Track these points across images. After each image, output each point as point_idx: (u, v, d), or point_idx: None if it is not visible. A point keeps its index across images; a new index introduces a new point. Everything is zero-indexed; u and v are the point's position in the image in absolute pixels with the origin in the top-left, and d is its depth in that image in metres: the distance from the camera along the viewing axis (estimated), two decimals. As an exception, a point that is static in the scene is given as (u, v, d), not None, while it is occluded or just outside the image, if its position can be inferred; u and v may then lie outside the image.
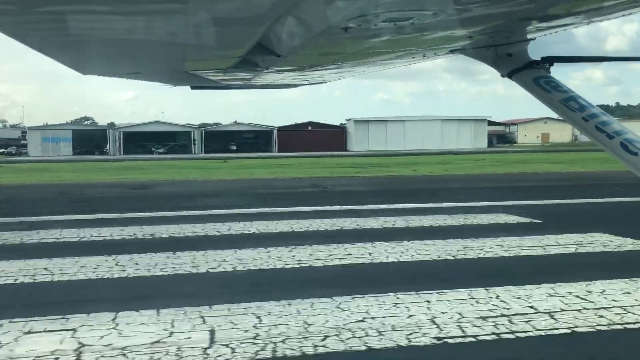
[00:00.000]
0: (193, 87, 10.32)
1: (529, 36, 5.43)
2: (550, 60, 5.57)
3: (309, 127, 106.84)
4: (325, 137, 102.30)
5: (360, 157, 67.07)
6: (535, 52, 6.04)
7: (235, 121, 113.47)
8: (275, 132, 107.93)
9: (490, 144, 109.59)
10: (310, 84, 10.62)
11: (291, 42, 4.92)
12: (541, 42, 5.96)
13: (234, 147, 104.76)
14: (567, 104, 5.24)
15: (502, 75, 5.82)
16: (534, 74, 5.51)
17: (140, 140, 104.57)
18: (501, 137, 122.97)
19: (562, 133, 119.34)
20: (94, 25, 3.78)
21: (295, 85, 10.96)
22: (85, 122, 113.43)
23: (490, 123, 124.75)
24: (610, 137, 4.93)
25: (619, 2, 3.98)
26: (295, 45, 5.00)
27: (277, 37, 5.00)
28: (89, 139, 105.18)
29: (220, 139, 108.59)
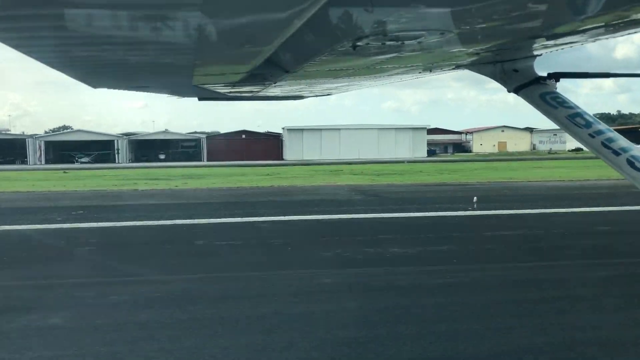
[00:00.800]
0: (201, 99, 10.40)
1: (535, 52, 5.47)
2: (557, 76, 5.60)
3: (243, 136, 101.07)
4: (260, 146, 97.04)
5: (276, 166, 62.70)
6: (542, 64, 6.08)
7: (166, 129, 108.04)
8: (204, 141, 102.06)
9: (445, 152, 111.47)
10: (317, 96, 10.69)
11: (300, 58, 4.98)
12: (547, 55, 5.99)
13: (162, 157, 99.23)
14: (573, 120, 5.27)
15: (509, 91, 5.86)
16: (540, 90, 5.54)
17: (64, 150, 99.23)
18: (457, 146, 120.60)
19: (520, 142, 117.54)
20: (105, 42, 3.84)
21: (302, 97, 11.02)
22: (6, 132, 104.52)
23: (447, 132, 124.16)
24: (616, 154, 4.95)
25: (624, 22, 4.02)
26: (303, 62, 5.05)
27: (286, 53, 5.05)
28: (9, 148, 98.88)
29: (147, 148, 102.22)
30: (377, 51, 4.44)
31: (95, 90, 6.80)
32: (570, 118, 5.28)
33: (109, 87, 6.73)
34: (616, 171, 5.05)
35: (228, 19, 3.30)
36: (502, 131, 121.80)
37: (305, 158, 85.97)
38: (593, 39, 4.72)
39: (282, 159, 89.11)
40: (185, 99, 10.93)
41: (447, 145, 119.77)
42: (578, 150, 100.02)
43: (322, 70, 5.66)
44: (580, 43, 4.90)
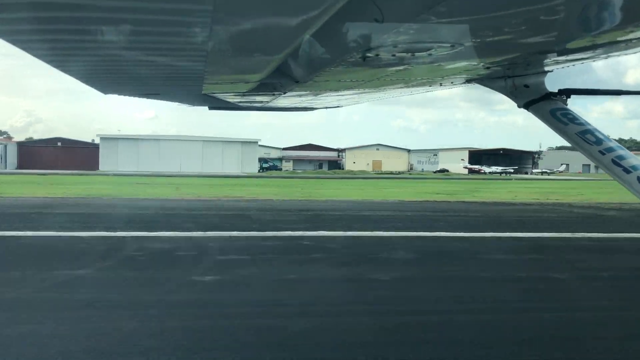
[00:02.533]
0: (211, 108, 10.44)
1: (547, 68, 5.44)
2: (568, 92, 5.56)
3: (59, 144, 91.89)
4: (75, 155, 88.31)
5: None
6: (552, 83, 6.05)
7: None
8: (13, 147, 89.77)
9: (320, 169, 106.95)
10: (327, 107, 10.70)
11: (310, 69, 4.98)
12: (558, 74, 5.97)
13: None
14: (583, 137, 5.22)
15: (519, 106, 5.83)
16: (550, 106, 5.51)
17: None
18: (333, 163, 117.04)
19: (397, 161, 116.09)
20: (116, 48, 3.86)
21: (312, 109, 11.04)
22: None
23: (323, 148, 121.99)
24: (627, 172, 4.90)
25: (637, 38, 3.99)
26: (313, 72, 5.06)
27: (296, 63, 5.06)
28: None
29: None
30: (387, 63, 4.43)
31: (105, 96, 6.85)
32: (580, 135, 5.23)
33: (119, 93, 6.77)
34: (627, 189, 5.00)
35: (238, 28, 3.31)
36: (377, 149, 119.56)
37: (120, 169, 77.64)
38: (605, 55, 4.70)
39: (99, 170, 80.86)
40: (196, 108, 10.99)
41: (323, 162, 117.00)
42: (443, 171, 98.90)
43: (331, 81, 5.66)
44: (592, 59, 4.88)
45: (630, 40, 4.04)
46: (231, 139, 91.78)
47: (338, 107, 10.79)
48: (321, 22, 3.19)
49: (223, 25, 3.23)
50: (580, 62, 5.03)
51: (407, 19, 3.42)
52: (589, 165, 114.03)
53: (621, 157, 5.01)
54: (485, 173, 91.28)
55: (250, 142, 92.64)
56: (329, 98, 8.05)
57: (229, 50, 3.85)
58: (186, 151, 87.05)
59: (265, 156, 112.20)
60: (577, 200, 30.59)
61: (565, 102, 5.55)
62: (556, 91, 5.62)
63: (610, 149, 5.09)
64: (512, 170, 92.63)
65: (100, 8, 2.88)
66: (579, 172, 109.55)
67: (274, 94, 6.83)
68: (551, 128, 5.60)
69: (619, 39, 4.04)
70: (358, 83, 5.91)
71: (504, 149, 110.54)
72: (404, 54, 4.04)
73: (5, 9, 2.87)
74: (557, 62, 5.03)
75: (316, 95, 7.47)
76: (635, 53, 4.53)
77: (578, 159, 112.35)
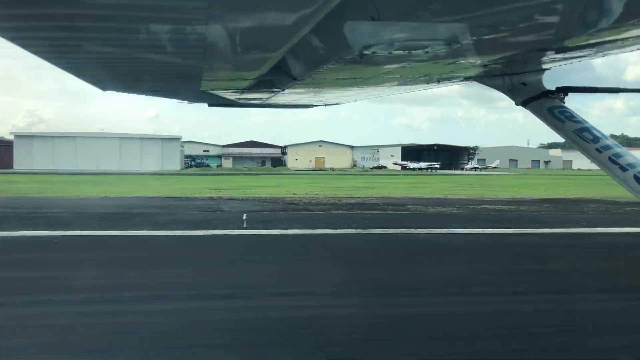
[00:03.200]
0: (210, 105, 10.44)
1: (544, 66, 5.46)
2: (565, 90, 5.58)
3: None
4: None
5: None
6: (551, 80, 6.06)
7: None
8: None
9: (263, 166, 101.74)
10: (326, 105, 10.70)
11: (307, 65, 4.99)
12: (557, 71, 5.98)
13: None
14: (581, 135, 5.24)
15: (517, 104, 5.84)
16: (548, 104, 5.52)
17: None
18: (277, 160, 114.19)
19: (340, 158, 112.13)
20: (112, 44, 3.88)
21: (312, 106, 11.04)
22: None
23: (266, 145, 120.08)
24: (623, 170, 4.92)
25: (634, 36, 4.00)
26: (311, 69, 5.07)
27: (294, 60, 5.07)
28: None
29: None
30: (384, 60, 4.45)
31: (109, 97, 6.87)
32: (577, 132, 5.25)
33: (118, 90, 6.78)
34: (623, 187, 5.01)
35: (233, 25, 3.32)
36: (320, 146, 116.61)
37: (35, 168, 73.84)
38: (602, 53, 4.70)
39: (12, 168, 75.61)
40: (197, 106, 10.99)
41: (265, 159, 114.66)
42: (380, 167, 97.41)
43: (329, 78, 5.67)
44: (589, 57, 4.88)
45: (627, 38, 4.04)
46: (151, 136, 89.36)
47: (337, 104, 10.80)
48: (317, 20, 3.20)
49: (218, 22, 3.24)
50: (578, 60, 5.04)
51: (403, 17, 3.43)
52: (516, 160, 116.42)
53: (618, 155, 5.02)
54: (411, 169, 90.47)
55: (171, 139, 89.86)
56: (328, 95, 8.06)
57: (226, 47, 3.86)
58: (103, 149, 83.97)
59: (205, 153, 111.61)
60: (448, 195, 27.51)
61: (562, 100, 5.57)
62: (554, 89, 5.64)
63: (607, 147, 5.11)
64: (437, 166, 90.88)
65: (95, 5, 2.90)
66: (507, 168, 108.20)
67: (272, 91, 6.84)
68: (548, 126, 5.61)
69: (615, 37, 4.04)
70: (356, 80, 5.92)
71: (438, 145, 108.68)
72: (400, 52, 4.05)
73: (2, 5, 2.88)
74: (555, 60, 5.05)
75: (315, 92, 7.48)
76: (632, 51, 4.53)
77: (507, 154, 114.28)
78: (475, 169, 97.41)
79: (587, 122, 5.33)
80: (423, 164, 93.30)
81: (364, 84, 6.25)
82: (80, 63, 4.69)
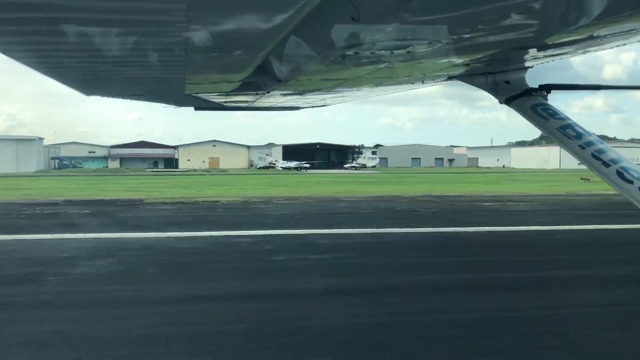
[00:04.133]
0: (197, 108, 10.41)
1: (527, 64, 5.49)
2: (548, 88, 5.62)
3: None
4: None
5: None
6: (532, 79, 6.10)
7: None
8: None
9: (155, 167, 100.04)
10: (313, 106, 10.71)
11: (291, 67, 5.00)
12: (538, 69, 6.02)
13: None
14: (564, 132, 5.28)
15: (500, 102, 5.88)
16: (531, 101, 5.56)
17: None
18: (169, 160, 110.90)
19: (237, 158, 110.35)
20: (94, 48, 3.86)
21: (298, 108, 11.05)
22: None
23: (157, 145, 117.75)
24: (606, 165, 4.96)
25: (613, 33, 4.04)
26: (295, 71, 5.07)
27: (278, 62, 5.07)
28: None
29: None
30: (367, 61, 4.46)
31: (89, 98, 6.82)
32: (561, 129, 5.29)
33: (102, 94, 6.74)
34: (606, 182, 5.05)
35: (214, 27, 3.32)
36: (214, 146, 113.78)
37: None
38: (582, 50, 4.75)
39: None
40: (182, 109, 10.95)
41: (158, 160, 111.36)
42: (268, 167, 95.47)
43: (314, 80, 5.68)
44: (571, 55, 4.93)
45: (605, 35, 4.09)
46: (4, 137, 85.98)
47: (323, 105, 10.81)
48: (296, 22, 3.20)
49: (199, 24, 3.23)
50: (560, 57, 5.09)
51: (383, 17, 3.44)
52: (419, 159, 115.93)
53: (601, 151, 5.06)
54: (279, 168, 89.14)
55: (27, 139, 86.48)
56: (314, 97, 8.07)
57: (207, 49, 3.85)
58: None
59: (91, 155, 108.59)
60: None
61: (545, 98, 5.61)
62: (537, 87, 5.68)
63: (590, 143, 5.15)
64: (307, 166, 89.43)
65: (75, 9, 2.88)
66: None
67: (257, 94, 6.84)
68: (532, 123, 5.65)
69: (594, 34, 4.08)
70: (340, 81, 5.93)
71: (320, 144, 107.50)
72: (382, 52, 4.06)
73: None
74: (536, 58, 5.08)
75: (301, 94, 7.49)
76: (611, 48, 4.58)
77: (410, 153, 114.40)
78: (353, 167, 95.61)
79: (570, 119, 5.37)
80: (292, 164, 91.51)
81: (348, 85, 6.27)
82: (61, 68, 4.65)
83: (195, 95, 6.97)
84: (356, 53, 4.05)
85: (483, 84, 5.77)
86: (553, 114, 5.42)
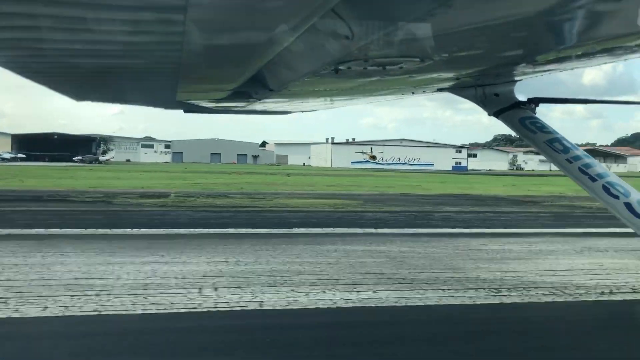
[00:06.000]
0: (186, 111, 10.38)
1: (516, 78, 5.56)
2: (536, 101, 5.69)
3: None
4: None
5: None
6: (521, 89, 6.16)
7: None
8: None
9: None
10: (303, 111, 10.74)
11: (283, 79, 5.02)
12: (525, 82, 6.08)
13: None
14: (551, 145, 5.35)
15: (489, 114, 5.93)
16: (520, 114, 5.63)
17: None
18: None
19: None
20: (80, 57, 3.85)
21: (289, 112, 11.06)
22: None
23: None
24: (593, 180, 5.04)
25: (600, 51, 4.11)
26: (287, 82, 5.10)
27: (270, 73, 5.09)
28: None
29: None
30: (359, 75, 4.50)
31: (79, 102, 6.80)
32: (548, 143, 5.36)
33: (93, 100, 6.73)
34: (592, 196, 5.14)
35: (208, 41, 3.34)
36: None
37: None
38: (571, 67, 4.82)
39: None
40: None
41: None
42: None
43: (306, 90, 5.71)
44: (559, 70, 5.00)
45: (593, 53, 4.16)
46: None
47: (314, 110, 10.84)
48: (292, 39, 3.23)
49: (193, 37, 3.25)
50: (548, 72, 5.15)
51: (376, 34, 3.48)
52: (219, 154, 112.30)
53: (587, 166, 5.14)
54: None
55: None
56: (304, 104, 8.10)
57: (200, 62, 3.87)
58: None
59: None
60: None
61: (534, 111, 5.68)
62: (525, 100, 5.74)
63: (577, 157, 5.23)
64: (23, 156, 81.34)
65: (66, 19, 2.89)
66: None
67: (248, 101, 6.85)
68: (520, 136, 5.73)
69: (582, 52, 4.15)
70: (332, 92, 5.96)
71: (59, 134, 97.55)
72: (375, 68, 4.10)
73: None
74: (525, 73, 5.15)
75: (291, 101, 7.51)
76: (598, 65, 4.65)
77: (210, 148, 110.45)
78: (81, 160, 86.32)
79: (557, 133, 5.44)
80: (7, 155, 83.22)
81: (340, 94, 6.30)
82: (50, 75, 4.64)
83: (185, 101, 6.97)
84: (349, 68, 4.09)
85: (472, 96, 5.83)
86: (541, 127, 5.49)
